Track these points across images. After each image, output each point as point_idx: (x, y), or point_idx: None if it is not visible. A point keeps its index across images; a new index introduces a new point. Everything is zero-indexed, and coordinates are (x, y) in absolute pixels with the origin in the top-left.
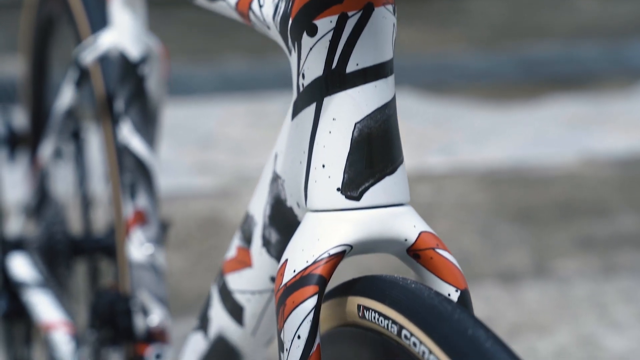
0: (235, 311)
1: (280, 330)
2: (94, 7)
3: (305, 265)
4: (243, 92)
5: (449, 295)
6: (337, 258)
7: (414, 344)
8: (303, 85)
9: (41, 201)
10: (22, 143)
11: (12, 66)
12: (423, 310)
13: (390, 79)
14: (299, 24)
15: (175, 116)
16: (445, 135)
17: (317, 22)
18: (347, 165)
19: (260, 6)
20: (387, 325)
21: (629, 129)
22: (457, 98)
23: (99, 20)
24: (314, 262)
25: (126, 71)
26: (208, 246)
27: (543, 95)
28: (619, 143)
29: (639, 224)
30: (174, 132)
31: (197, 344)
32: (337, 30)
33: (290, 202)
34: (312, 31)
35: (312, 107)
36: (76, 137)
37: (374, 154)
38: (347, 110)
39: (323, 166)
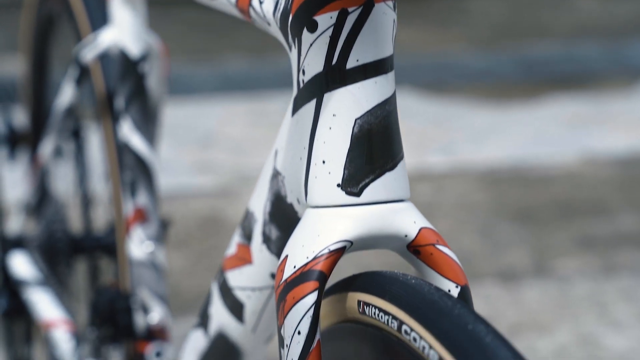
0: (236, 308)
1: (280, 326)
2: (94, 5)
3: (305, 261)
4: (243, 92)
5: (449, 291)
6: (337, 254)
7: (414, 339)
8: (303, 81)
9: (41, 199)
10: (23, 141)
11: (12, 65)
12: (423, 305)
13: (391, 75)
14: (299, 20)
15: (175, 115)
16: (445, 134)
17: (317, 18)
18: (347, 161)
19: (261, 3)
20: (387, 320)
21: (629, 128)
22: (457, 97)
23: (99, 18)
24: (314, 258)
25: (126, 69)
26: (208, 245)
27: (543, 94)
28: (619, 142)
29: (639, 224)
30: (174, 132)
31: (197, 341)
32: (337, 26)
33: (290, 199)
34: (312, 27)
35: (312, 103)
36: (76, 135)
37: (374, 150)
38: (347, 106)
39: (323, 162)
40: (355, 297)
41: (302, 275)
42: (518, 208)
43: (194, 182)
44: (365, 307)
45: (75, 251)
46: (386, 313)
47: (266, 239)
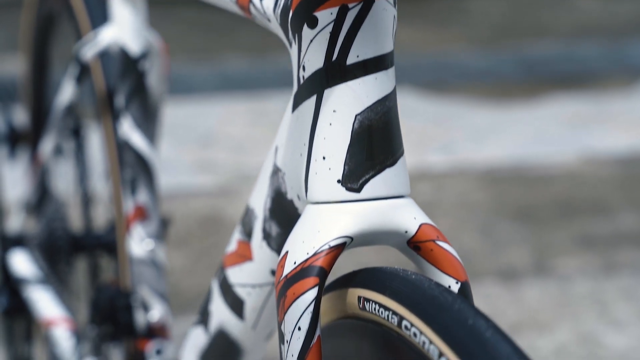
0: (236, 305)
1: (280, 322)
2: (94, 3)
3: (305, 257)
4: (243, 91)
5: (450, 287)
6: (337, 250)
7: (415, 335)
8: (303, 77)
9: (41, 198)
10: (23, 140)
11: (13, 65)
12: (423, 301)
13: (391, 71)
14: (300, 16)
15: (175, 115)
16: (445, 133)
17: (318, 14)
18: (348, 157)
19: None
20: (388, 316)
21: (630, 127)
22: (458, 97)
23: (100, 16)
24: (315, 254)
25: (127, 67)
26: (208, 244)
27: (543, 94)
28: (620, 142)
29: (639, 223)
30: (175, 131)
31: (197, 338)
32: (338, 22)
33: (290, 195)
34: (313, 23)
35: (312, 99)
36: (76, 134)
37: (374, 146)
38: (347, 102)
39: (323, 158)
40: (355, 293)
41: (302, 271)
42: (518, 207)
43: (194, 181)
44: (365, 303)
45: (76, 249)
46: (386, 309)
47: (266, 236)
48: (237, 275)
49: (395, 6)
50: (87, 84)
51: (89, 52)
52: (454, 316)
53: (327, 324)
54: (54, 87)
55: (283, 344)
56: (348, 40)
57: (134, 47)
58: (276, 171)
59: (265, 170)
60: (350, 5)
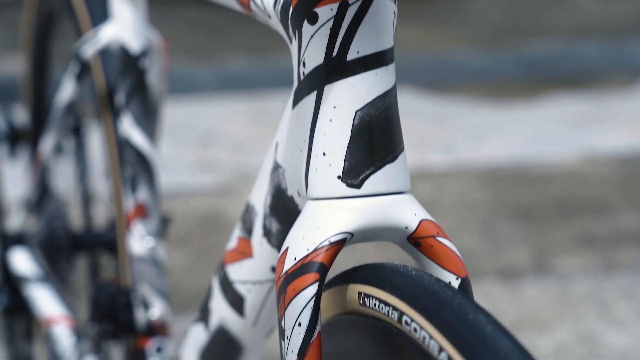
0: (236, 302)
1: (281, 318)
2: (94, 1)
3: (306, 252)
4: (243, 91)
5: (450, 283)
6: (337, 246)
7: (415, 330)
8: (304, 73)
9: (42, 196)
10: (23, 139)
11: (13, 64)
12: (424, 296)
13: (391, 67)
14: (300, 12)
15: (175, 114)
16: (445, 133)
17: (318, 10)
18: (348, 153)
19: None
20: (388, 311)
21: (630, 127)
22: (458, 96)
23: (100, 14)
24: (315, 250)
25: (127, 64)
26: (208, 244)
27: (543, 93)
28: (620, 141)
29: (639, 222)
30: (175, 131)
31: (197, 335)
32: (338, 18)
33: (290, 191)
34: (313, 19)
35: (312, 96)
36: (77, 132)
37: (374, 142)
38: (347, 98)
39: (324, 154)
40: (355, 289)
41: (302, 267)
42: (518, 206)
43: (194, 180)
44: (365, 298)
45: (76, 248)
46: (387, 304)
47: (267, 232)
48: (237, 272)
49: (395, 2)
50: (87, 82)
51: (89, 50)
52: (454, 311)
53: (327, 320)
54: (54, 86)
55: (283, 339)
56: (348, 36)
57: (134, 45)
58: (276, 168)
59: (265, 167)
60: (350, 1)
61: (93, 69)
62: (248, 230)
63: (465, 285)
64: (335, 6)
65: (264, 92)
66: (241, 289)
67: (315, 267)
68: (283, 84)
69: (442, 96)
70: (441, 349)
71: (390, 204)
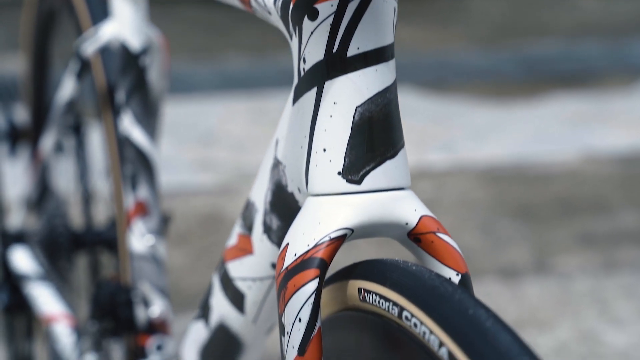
0: (236, 299)
1: (281, 314)
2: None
3: (306, 248)
4: (244, 90)
5: (450, 279)
6: (338, 242)
7: (415, 325)
8: (304, 69)
9: (42, 194)
10: (23, 138)
11: (13, 64)
12: (424, 291)
13: (391, 63)
14: (300, 8)
15: (176, 113)
16: (446, 132)
17: (318, 6)
18: (348, 149)
19: None
20: (388, 307)
21: (630, 126)
22: (458, 96)
23: (100, 12)
24: (315, 246)
25: (127, 62)
26: (208, 243)
27: (544, 93)
28: (620, 140)
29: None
30: (175, 130)
31: (198, 332)
32: (338, 14)
33: (291, 188)
34: (313, 15)
35: (313, 92)
36: (77, 131)
37: (374, 138)
38: (348, 94)
39: (324, 150)
40: (355, 285)
41: (302, 263)
42: (519, 205)
43: (194, 179)
44: (366, 294)
45: (76, 246)
46: (387, 300)
47: (267, 229)
48: (237, 269)
49: None
50: (87, 80)
51: (89, 47)
52: (455, 306)
53: (327, 316)
54: (54, 85)
55: (284, 335)
56: (348, 32)
57: (135, 42)
58: (277, 164)
59: (265, 164)
60: None
61: (93, 67)
62: (248, 227)
63: (465, 281)
64: (335, 2)
65: (264, 91)
66: (241, 285)
67: (315, 263)
68: (283, 83)
69: (442, 95)
70: (441, 344)
71: (390, 200)
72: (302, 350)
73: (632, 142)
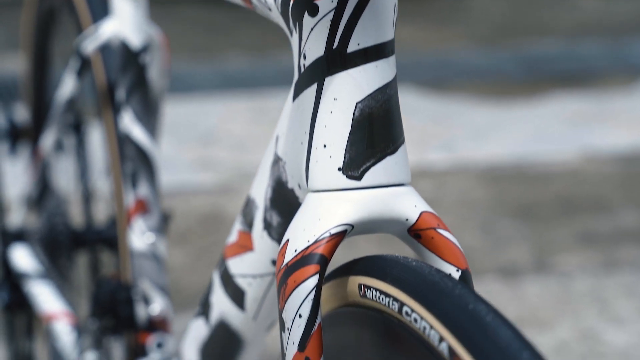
0: (237, 296)
1: (281, 310)
2: None
3: (306, 244)
4: (244, 89)
5: (450, 275)
6: (338, 237)
7: (415, 320)
8: (304, 65)
9: (42, 192)
10: (24, 136)
11: (14, 63)
12: (424, 286)
13: (392, 59)
14: (300, 4)
15: (176, 113)
16: (446, 131)
17: (318, 2)
18: (348, 145)
19: None
20: (388, 302)
21: (630, 125)
22: (458, 95)
23: (100, 10)
24: (315, 242)
25: (127, 60)
26: (209, 242)
27: (544, 92)
28: (621, 140)
29: None
30: (176, 129)
31: (198, 329)
32: (338, 10)
33: (291, 184)
34: (314, 11)
35: (313, 88)
36: (77, 129)
37: (375, 134)
38: (348, 90)
39: (324, 146)
40: (356, 281)
41: (303, 259)
42: (519, 205)
43: (195, 179)
44: (366, 290)
45: (77, 244)
46: (387, 295)
47: (267, 226)
48: (238, 265)
49: None
50: (87, 79)
51: (89, 45)
52: (455, 301)
53: (328, 313)
54: (54, 84)
55: (284, 331)
56: (349, 28)
57: (135, 40)
58: (277, 160)
59: (266, 160)
60: None
61: (94, 65)
62: (249, 224)
63: (465, 277)
64: None
65: (265, 91)
66: (242, 282)
67: (315, 258)
68: (283, 82)
69: (442, 95)
70: (441, 339)
71: (390, 195)
72: (302, 346)
73: (632, 141)
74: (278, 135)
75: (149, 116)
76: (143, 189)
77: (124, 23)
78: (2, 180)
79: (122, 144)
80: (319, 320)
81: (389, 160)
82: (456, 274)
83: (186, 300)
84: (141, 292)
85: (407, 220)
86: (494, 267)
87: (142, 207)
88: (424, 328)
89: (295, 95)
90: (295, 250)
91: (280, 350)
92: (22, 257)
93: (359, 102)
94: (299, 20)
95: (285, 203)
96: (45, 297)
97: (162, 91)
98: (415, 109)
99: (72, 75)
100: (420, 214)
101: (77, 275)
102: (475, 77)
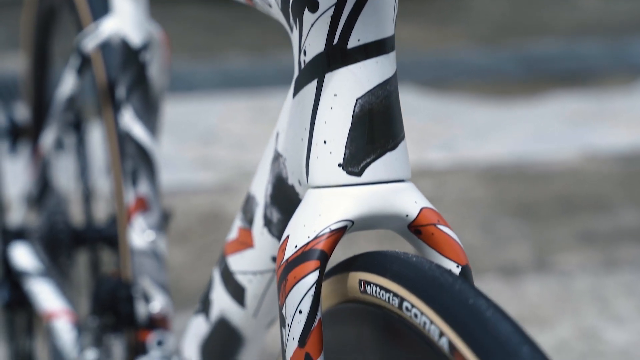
0: (237, 292)
1: (281, 306)
2: None
3: (306, 240)
4: (244, 89)
5: (450, 270)
6: (338, 233)
7: (415, 315)
8: (304, 62)
9: (43, 191)
10: (24, 135)
11: (14, 63)
12: (424, 282)
13: (392, 55)
14: (301, 0)
15: (177, 112)
16: (446, 131)
17: None
18: (349, 141)
19: None
20: (389, 298)
21: (630, 125)
22: (459, 94)
23: (101, 7)
24: (316, 238)
25: (128, 58)
26: (209, 241)
27: (544, 91)
28: (620, 139)
29: None
30: (176, 128)
31: (198, 327)
32: (339, 6)
33: (291, 180)
34: (314, 7)
35: (313, 84)
36: (77, 128)
37: (375, 130)
38: (348, 86)
39: (324, 142)
40: (356, 277)
41: (303, 255)
42: (519, 204)
43: (195, 178)
44: (366, 285)
45: (77, 243)
46: (387, 291)
47: (267, 222)
48: (238, 262)
49: None
50: (88, 77)
51: (90, 43)
52: (455, 296)
53: (328, 309)
54: (54, 83)
55: (284, 327)
56: (349, 24)
57: (135, 38)
58: (277, 157)
59: (266, 157)
60: None
61: (94, 63)
62: (249, 221)
63: (465, 273)
64: None
65: (265, 90)
66: (242, 279)
67: (316, 254)
68: (283, 82)
69: (443, 94)
70: (442, 334)
71: (390, 191)
72: (302, 341)
73: (632, 140)
74: (278, 131)
75: (150, 114)
76: (143, 187)
77: (124, 21)
78: (2, 179)
79: (123, 141)
80: (319, 315)
81: (389, 156)
82: (456, 270)
83: (186, 299)
84: (141, 290)
85: (407, 216)
86: (494, 266)
87: (143, 205)
88: (424, 323)
89: (296, 92)
90: (296, 246)
91: (280, 346)
92: (23, 256)
93: (359, 98)
94: (299, 17)
95: (285, 199)
96: (46, 296)
97: (163, 89)
98: (416, 109)
99: (73, 73)
100: (421, 210)
101: (77, 274)
102: (476, 76)
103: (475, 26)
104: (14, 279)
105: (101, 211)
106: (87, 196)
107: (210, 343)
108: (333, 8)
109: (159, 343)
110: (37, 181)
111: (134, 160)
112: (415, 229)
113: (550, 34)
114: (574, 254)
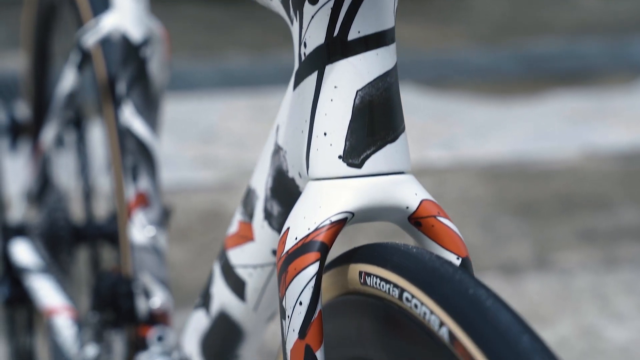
0: (237, 286)
1: (282, 298)
2: None
3: (306, 232)
4: (244, 87)
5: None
6: (338, 225)
7: (415, 306)
8: (305, 54)
9: (43, 187)
10: (24, 132)
11: (14, 61)
12: (424, 272)
13: (392, 47)
14: None
15: (177, 111)
16: (446, 129)
17: None
18: (349, 132)
19: None
20: (389, 289)
21: (630, 124)
22: (459, 93)
23: (101, 3)
24: (316, 229)
25: (128, 53)
26: (209, 239)
27: (544, 90)
28: (621, 138)
29: None
30: (176, 127)
31: (199, 321)
32: None
33: (292, 173)
34: None
35: (313, 76)
36: (78, 125)
37: (375, 122)
38: (348, 78)
39: (325, 134)
40: (356, 269)
41: (303, 247)
42: (519, 202)
43: (195, 176)
44: (366, 277)
45: (77, 239)
46: (387, 282)
47: (268, 215)
48: (238, 256)
49: None
50: (88, 73)
51: (90, 39)
52: (455, 286)
53: (328, 301)
54: (55, 81)
55: (284, 319)
56: (349, 15)
57: (136, 34)
58: (277, 150)
59: (266, 150)
60: None
61: (94, 59)
62: (249, 214)
63: (466, 265)
64: None
65: (265, 89)
66: (242, 273)
67: (316, 246)
68: (283, 81)
69: (443, 93)
70: (442, 324)
71: (391, 183)
72: (302, 333)
73: (632, 139)
74: (278, 124)
75: (150, 110)
76: (144, 183)
77: (125, 16)
78: (3, 176)
79: (123, 137)
80: (319, 307)
81: (389, 148)
82: (456, 262)
83: (187, 297)
84: (142, 286)
85: (407, 208)
86: (495, 264)
87: (143, 201)
88: (424, 313)
89: (296, 84)
90: (296, 238)
91: (280, 338)
92: (23, 252)
93: (360, 90)
94: (299, 9)
95: (285, 192)
96: (46, 292)
97: (163, 85)
98: (416, 107)
99: (73, 69)
100: (421, 202)
101: (77, 270)
102: (476, 75)
103: (476, 25)
104: (15, 275)
105: (101, 208)
106: (88, 193)
107: (210, 337)
108: (333, 0)
109: (160, 338)
110: (38, 178)
111: (135, 155)
112: (416, 220)
113: (550, 33)
114: (574, 252)
